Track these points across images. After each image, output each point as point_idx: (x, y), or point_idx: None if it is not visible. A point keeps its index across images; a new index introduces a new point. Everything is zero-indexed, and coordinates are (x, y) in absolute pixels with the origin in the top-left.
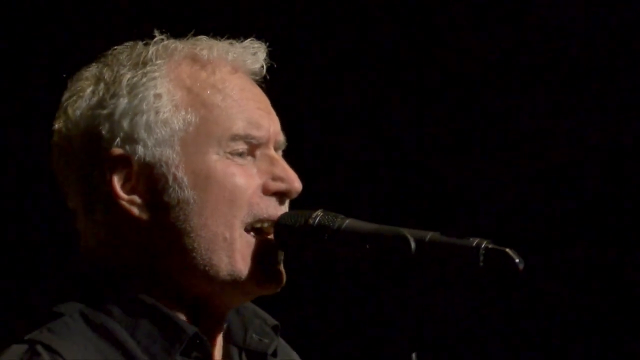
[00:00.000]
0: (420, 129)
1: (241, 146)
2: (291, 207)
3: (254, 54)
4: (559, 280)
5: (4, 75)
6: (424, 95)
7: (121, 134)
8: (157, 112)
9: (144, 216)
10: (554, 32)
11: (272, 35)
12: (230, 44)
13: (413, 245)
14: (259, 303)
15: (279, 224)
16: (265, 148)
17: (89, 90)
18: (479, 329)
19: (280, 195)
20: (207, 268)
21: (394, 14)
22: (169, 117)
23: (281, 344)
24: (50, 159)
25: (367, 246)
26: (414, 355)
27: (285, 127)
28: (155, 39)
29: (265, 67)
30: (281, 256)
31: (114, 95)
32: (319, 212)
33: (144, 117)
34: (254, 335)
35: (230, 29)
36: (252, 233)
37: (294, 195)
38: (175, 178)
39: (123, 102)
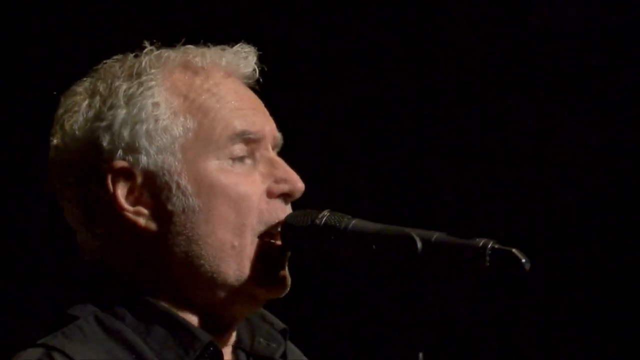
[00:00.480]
0: (421, 130)
1: (240, 148)
2: (294, 208)
3: (245, 58)
4: (559, 280)
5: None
6: (425, 95)
7: (122, 144)
8: (156, 121)
9: (150, 226)
10: (554, 32)
11: (271, 36)
12: (222, 49)
13: (420, 245)
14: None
15: (285, 224)
16: (264, 149)
17: (84, 104)
18: (481, 329)
19: (285, 197)
20: (214, 275)
21: (394, 14)
22: (169, 124)
23: (291, 348)
24: (48, 175)
25: (374, 246)
26: (420, 354)
27: (285, 127)
28: (146, 49)
29: (257, 70)
30: (287, 258)
31: (112, 107)
32: (326, 213)
33: (144, 126)
34: (261, 340)
35: (226, 29)
36: (262, 239)
37: (298, 196)
38: (178, 186)
39: (122, 112)
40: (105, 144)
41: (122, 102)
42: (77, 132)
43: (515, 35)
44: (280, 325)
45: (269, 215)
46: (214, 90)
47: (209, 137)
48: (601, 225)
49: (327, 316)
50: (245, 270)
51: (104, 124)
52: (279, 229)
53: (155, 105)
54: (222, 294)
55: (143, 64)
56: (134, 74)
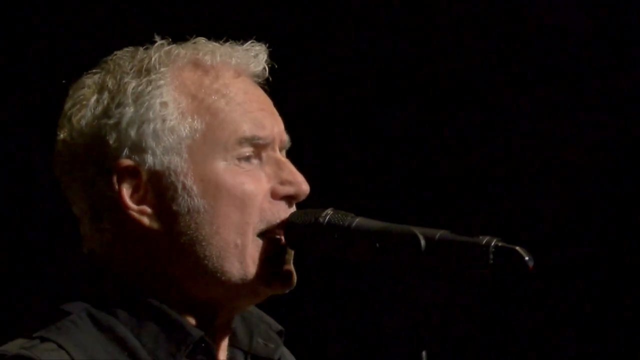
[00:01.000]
0: (422, 129)
1: (247, 149)
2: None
3: (255, 57)
4: (558, 280)
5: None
6: (427, 94)
7: (129, 143)
8: (163, 120)
9: (154, 225)
10: (554, 32)
11: (273, 35)
12: (232, 47)
13: (423, 243)
14: (263, 307)
15: (289, 223)
16: (271, 150)
17: (93, 99)
18: (481, 328)
19: (289, 199)
20: (218, 274)
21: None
22: (176, 124)
23: (284, 351)
24: (54, 167)
25: (377, 245)
26: (423, 353)
27: (288, 127)
28: (157, 44)
29: (267, 69)
30: (291, 256)
31: (120, 105)
32: (329, 211)
33: (151, 126)
34: (259, 340)
35: (230, 28)
36: (264, 237)
37: (302, 198)
38: (184, 187)
39: (129, 111)
40: (111, 141)
41: (130, 101)
42: (84, 128)
43: (516, 34)
44: (277, 326)
45: (270, 215)
46: (223, 91)
47: (217, 139)
48: (601, 225)
49: (330, 314)
50: (249, 268)
51: (111, 121)
52: (279, 229)
53: (163, 104)
54: (225, 292)
55: (153, 60)
56: (143, 70)
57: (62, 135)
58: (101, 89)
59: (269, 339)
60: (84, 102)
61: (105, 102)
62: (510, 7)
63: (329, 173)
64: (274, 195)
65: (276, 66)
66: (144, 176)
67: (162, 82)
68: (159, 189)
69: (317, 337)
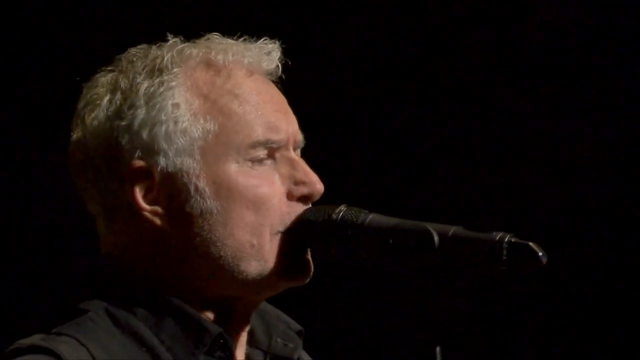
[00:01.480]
0: (426, 130)
1: (261, 152)
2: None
3: (268, 54)
4: (558, 279)
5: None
6: (427, 93)
7: (141, 145)
8: (176, 122)
9: (167, 226)
10: (554, 32)
11: (272, 34)
12: (245, 45)
13: (437, 239)
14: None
15: (302, 219)
16: (285, 150)
17: (105, 99)
18: (481, 328)
19: (304, 199)
20: (235, 273)
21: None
22: (188, 126)
23: (303, 353)
24: (68, 167)
25: (391, 241)
26: (438, 349)
27: (301, 124)
28: (169, 42)
29: (280, 66)
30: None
31: (132, 106)
32: (342, 207)
33: (163, 128)
34: (278, 340)
35: (240, 28)
36: (281, 234)
37: (317, 198)
38: (197, 188)
39: (141, 112)
40: (124, 143)
41: (142, 102)
42: (97, 129)
43: (516, 34)
44: (297, 326)
45: (289, 218)
46: (236, 91)
47: (230, 141)
48: (601, 225)
49: (344, 311)
50: (267, 265)
51: (123, 123)
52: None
53: (175, 106)
54: (242, 289)
55: (165, 60)
56: (156, 70)
57: (75, 136)
58: (114, 89)
59: (288, 339)
60: (97, 102)
61: (118, 102)
62: (510, 7)
63: (340, 171)
64: (290, 196)
65: (290, 63)
66: (157, 178)
67: (174, 83)
68: (171, 190)
69: (329, 335)
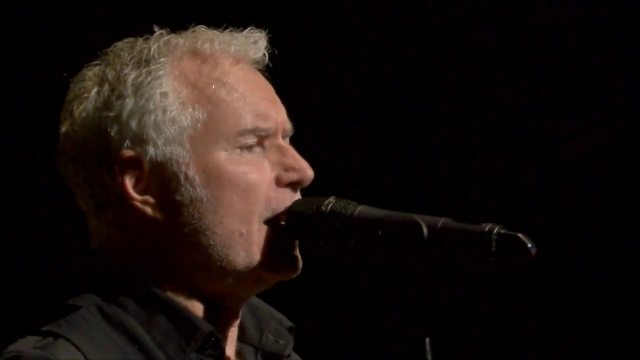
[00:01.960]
0: (427, 129)
1: (250, 139)
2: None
3: (255, 43)
4: (558, 279)
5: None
6: (430, 93)
7: (130, 134)
8: (164, 111)
9: (158, 216)
10: (554, 33)
11: (272, 33)
12: (231, 34)
13: (425, 231)
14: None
15: (291, 211)
16: (274, 138)
17: (93, 91)
18: (484, 319)
19: (294, 185)
20: (223, 263)
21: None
22: (177, 115)
23: (292, 354)
24: (57, 162)
25: (380, 233)
26: (427, 340)
27: (292, 116)
28: (155, 34)
29: (267, 55)
30: (297, 241)
31: (120, 96)
32: (331, 199)
33: (152, 117)
34: (269, 336)
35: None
36: (269, 224)
37: (307, 184)
38: (186, 177)
39: (129, 102)
40: (113, 133)
41: (130, 92)
42: (85, 120)
43: (516, 34)
44: (288, 322)
45: (277, 204)
46: (223, 80)
47: (219, 130)
48: (601, 225)
49: (333, 302)
50: (255, 256)
51: (112, 113)
52: (284, 216)
53: (164, 95)
54: (231, 281)
55: (152, 51)
56: (143, 61)
57: (64, 129)
58: (101, 81)
59: (279, 335)
60: (85, 95)
61: (106, 94)
62: (510, 7)
63: (340, 170)
64: (279, 182)
65: (276, 52)
66: (146, 167)
67: (161, 72)
68: (161, 179)
69: (321, 323)
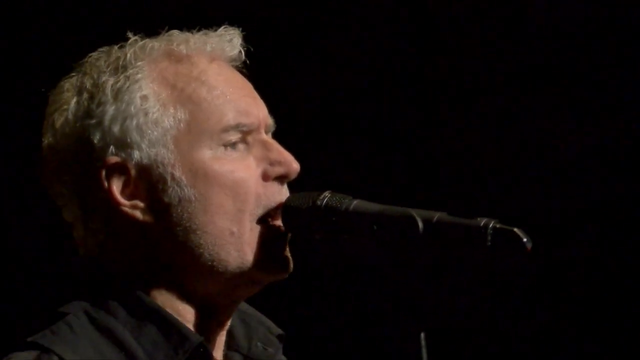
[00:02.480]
0: (426, 129)
1: (233, 136)
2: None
3: (230, 41)
4: (557, 279)
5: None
6: (430, 93)
7: (113, 140)
8: (146, 114)
9: (148, 219)
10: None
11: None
12: (205, 34)
13: (421, 225)
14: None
15: (286, 206)
16: (257, 133)
17: (73, 101)
18: (482, 327)
19: (281, 179)
20: (214, 263)
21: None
22: (159, 116)
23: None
24: (41, 175)
25: (375, 227)
26: (422, 335)
27: (279, 111)
28: (130, 40)
29: (243, 52)
30: (287, 241)
31: (100, 103)
32: (327, 194)
33: (134, 121)
34: (258, 344)
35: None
36: (261, 223)
37: (294, 176)
38: (173, 177)
39: (110, 108)
40: (96, 141)
41: (109, 98)
42: (67, 131)
43: (516, 34)
44: (277, 330)
45: (266, 199)
46: (202, 79)
47: (202, 128)
48: (601, 225)
49: (328, 297)
50: (246, 256)
51: (93, 121)
52: (279, 212)
53: (144, 98)
54: (223, 282)
55: (128, 56)
56: (120, 67)
57: (46, 142)
58: (80, 90)
59: (268, 343)
60: (65, 107)
61: (86, 103)
62: (510, 6)
63: (340, 170)
64: (265, 177)
65: (252, 49)
66: (133, 171)
67: (139, 75)
68: (148, 182)
69: (315, 317)
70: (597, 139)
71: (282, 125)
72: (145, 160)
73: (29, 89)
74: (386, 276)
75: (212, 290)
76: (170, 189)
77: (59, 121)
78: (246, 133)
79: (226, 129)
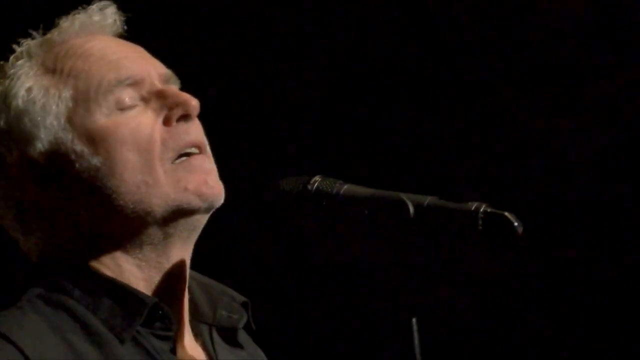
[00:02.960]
0: (426, 129)
1: (127, 95)
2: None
3: (100, 11)
4: (557, 279)
5: None
6: (430, 93)
7: (16, 140)
8: (34, 104)
9: (70, 201)
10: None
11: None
12: (74, 15)
13: (412, 209)
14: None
15: (277, 190)
16: (150, 86)
17: None
18: (480, 327)
19: (183, 119)
20: (142, 216)
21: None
22: (45, 102)
23: (248, 340)
24: None
25: (366, 211)
26: (413, 320)
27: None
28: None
29: (117, 21)
30: (210, 164)
31: None
32: (317, 178)
33: (26, 116)
34: (223, 313)
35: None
36: (177, 161)
37: (196, 112)
38: (75, 153)
39: (4, 115)
40: (4, 149)
41: (3, 106)
42: None
43: (516, 34)
44: (241, 298)
45: (174, 142)
46: (78, 52)
47: (87, 97)
48: (601, 225)
49: (319, 281)
50: (169, 196)
51: None
52: (194, 149)
53: (28, 90)
54: (157, 229)
55: (9, 62)
56: (4, 75)
57: None
58: None
59: (232, 310)
60: None
61: None
62: (511, 6)
63: (339, 170)
64: (168, 122)
65: (130, 15)
66: (41, 161)
67: (20, 72)
68: (57, 166)
69: (306, 302)
70: (597, 139)
71: (282, 126)
72: (48, 147)
73: None
74: (376, 261)
75: (155, 243)
76: (77, 164)
77: None
78: (137, 88)
79: (109, 89)
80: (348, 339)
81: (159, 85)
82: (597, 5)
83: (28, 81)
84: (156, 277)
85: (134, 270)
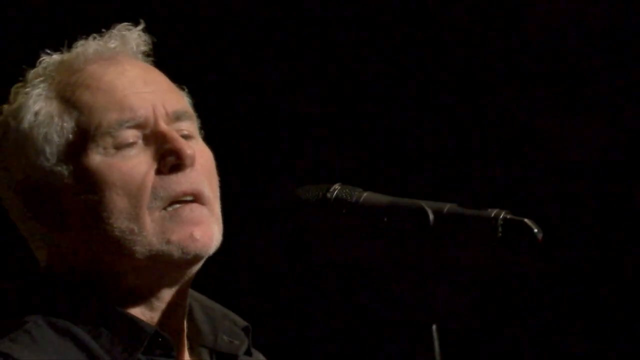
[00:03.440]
0: (426, 129)
1: (129, 134)
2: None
3: (122, 37)
4: (557, 279)
5: None
6: (429, 93)
7: (22, 162)
8: (38, 129)
9: (64, 233)
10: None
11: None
12: (99, 38)
13: (431, 217)
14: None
15: (296, 199)
16: (154, 126)
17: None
18: (481, 327)
19: (176, 168)
20: (129, 259)
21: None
22: (48, 131)
23: (257, 354)
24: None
25: (386, 219)
26: (434, 327)
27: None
28: (40, 59)
29: (142, 44)
30: (201, 213)
31: (7, 131)
32: (337, 186)
33: (29, 139)
34: (224, 337)
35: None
36: (169, 208)
37: (189, 162)
38: (69, 187)
39: (13, 135)
40: (13, 170)
41: (12, 123)
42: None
43: (516, 34)
44: (242, 322)
45: (164, 191)
46: (87, 83)
47: (87, 135)
48: (601, 225)
49: (339, 289)
50: (153, 247)
51: (8, 152)
52: (187, 197)
53: (36, 114)
54: (146, 270)
55: (30, 75)
56: (24, 83)
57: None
58: (4, 132)
59: (233, 336)
60: None
61: (1, 129)
62: (511, 6)
63: (338, 150)
64: (161, 169)
65: (155, 40)
66: (41, 190)
67: (34, 92)
68: (53, 199)
69: (326, 309)
70: (597, 139)
71: (283, 125)
72: (44, 178)
73: None
74: (396, 268)
75: (144, 281)
76: (70, 201)
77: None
78: (141, 128)
79: (108, 130)
80: (348, 339)
81: (163, 125)
82: (597, 5)
83: (38, 103)
84: (155, 303)
85: (133, 298)
